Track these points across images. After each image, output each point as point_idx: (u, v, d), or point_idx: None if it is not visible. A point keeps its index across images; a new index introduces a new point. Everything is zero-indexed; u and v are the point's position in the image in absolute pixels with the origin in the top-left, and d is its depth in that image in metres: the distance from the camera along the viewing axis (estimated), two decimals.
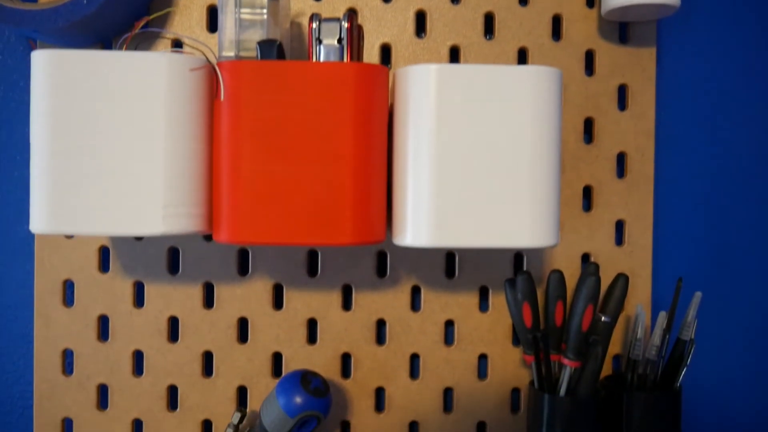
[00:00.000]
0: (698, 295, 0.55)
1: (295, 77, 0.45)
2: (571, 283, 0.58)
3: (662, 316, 0.55)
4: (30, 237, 0.61)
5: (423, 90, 0.46)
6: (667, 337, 0.55)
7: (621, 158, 0.61)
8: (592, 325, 0.54)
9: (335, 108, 0.45)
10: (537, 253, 0.60)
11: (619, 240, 0.61)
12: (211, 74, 0.48)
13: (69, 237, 0.59)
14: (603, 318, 0.54)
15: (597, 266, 0.55)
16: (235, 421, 0.56)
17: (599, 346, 0.54)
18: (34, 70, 0.46)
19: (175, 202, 0.45)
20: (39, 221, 0.46)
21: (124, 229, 0.45)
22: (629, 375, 0.56)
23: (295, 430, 0.52)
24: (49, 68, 0.45)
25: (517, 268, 0.60)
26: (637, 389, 0.55)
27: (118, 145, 0.45)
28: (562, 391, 0.55)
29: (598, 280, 0.53)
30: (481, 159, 0.46)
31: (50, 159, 0.45)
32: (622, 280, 0.55)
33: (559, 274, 0.54)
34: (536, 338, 0.53)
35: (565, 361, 0.54)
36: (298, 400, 0.51)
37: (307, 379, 0.52)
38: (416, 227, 0.46)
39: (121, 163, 0.45)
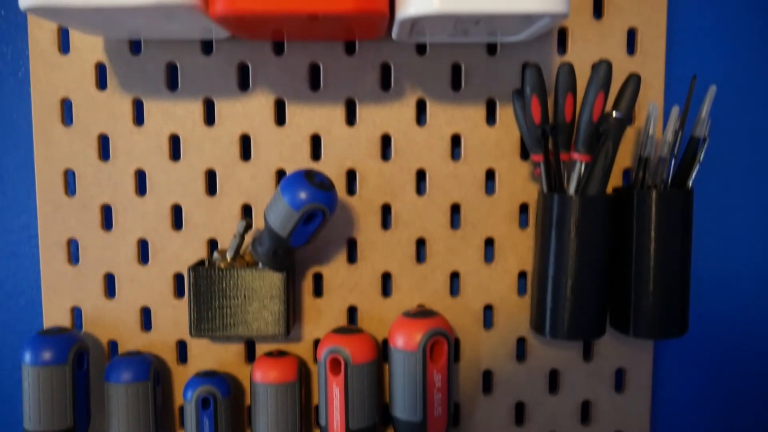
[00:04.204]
0: (713, 88, 0.53)
1: None
2: (580, 96, 0.56)
3: (675, 111, 0.53)
4: (24, 55, 0.59)
5: None
6: (680, 134, 0.54)
7: None
8: (604, 119, 0.53)
9: None
10: (546, 61, 0.58)
11: (631, 49, 0.59)
12: None
13: (64, 53, 0.58)
14: (615, 113, 0.53)
15: (609, 61, 0.53)
16: (241, 229, 0.56)
17: (610, 140, 0.53)
18: None
19: None
20: None
21: None
22: (640, 173, 0.55)
23: (301, 225, 0.51)
24: None
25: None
26: (649, 189, 0.54)
27: None
28: (572, 189, 0.54)
29: (610, 66, 0.51)
30: None
31: None
32: (633, 79, 0.53)
33: (569, 66, 0.52)
34: (545, 132, 0.52)
35: (576, 155, 0.53)
36: (303, 194, 0.50)
37: (311, 175, 0.51)
38: None
39: None
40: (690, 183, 0.54)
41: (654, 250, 0.54)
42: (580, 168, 0.53)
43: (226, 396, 0.56)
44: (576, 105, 0.54)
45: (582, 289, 0.54)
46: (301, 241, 0.52)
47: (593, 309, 0.55)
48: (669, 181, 0.55)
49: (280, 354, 0.58)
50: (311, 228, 0.52)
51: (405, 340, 0.54)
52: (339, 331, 0.57)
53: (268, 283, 0.55)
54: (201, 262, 0.57)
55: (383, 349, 0.60)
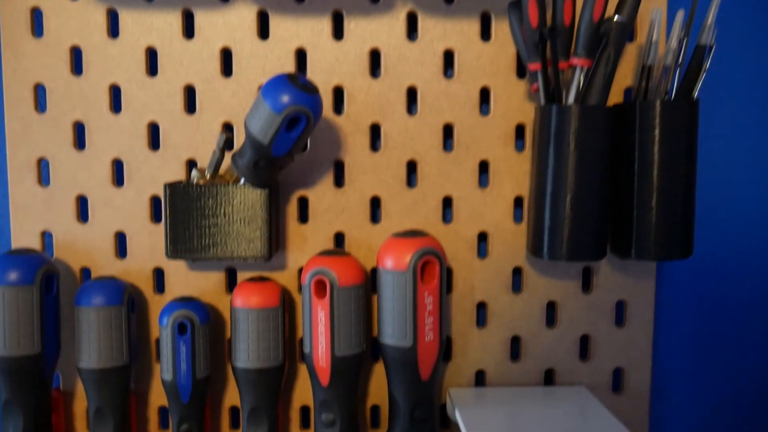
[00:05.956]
0: None
1: None
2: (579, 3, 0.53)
3: (680, 16, 0.50)
4: None
5: None
6: (686, 42, 0.51)
7: None
8: (605, 22, 0.50)
9: None
10: None
11: None
12: None
13: None
14: (617, 17, 0.50)
15: None
16: (220, 143, 0.53)
17: (612, 45, 0.50)
18: None
19: None
20: None
21: None
22: (643, 83, 0.52)
23: (283, 131, 0.48)
24: None
25: None
26: (652, 100, 0.51)
27: None
28: (571, 98, 0.51)
29: None
30: None
31: None
32: None
33: None
34: (543, 35, 0.49)
35: (575, 60, 0.50)
36: (286, 96, 0.47)
37: (294, 77, 0.48)
38: None
39: None
40: (695, 94, 0.51)
41: (657, 164, 0.51)
42: (579, 76, 0.51)
43: (204, 322, 0.53)
44: (575, 9, 0.51)
45: (582, 204, 0.51)
46: (284, 150, 0.49)
47: (593, 227, 0.52)
48: (673, 92, 0.52)
49: (263, 279, 0.55)
50: (294, 134, 0.48)
51: (394, 260, 0.51)
52: (325, 253, 0.54)
53: (249, 200, 0.52)
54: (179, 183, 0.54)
55: (372, 279, 0.57)
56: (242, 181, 0.52)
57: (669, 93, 0.52)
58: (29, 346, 0.51)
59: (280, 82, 0.48)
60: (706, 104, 0.57)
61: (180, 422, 0.53)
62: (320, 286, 0.52)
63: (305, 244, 0.57)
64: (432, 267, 0.52)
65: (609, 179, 0.52)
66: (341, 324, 0.52)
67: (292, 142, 0.49)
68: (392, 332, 0.52)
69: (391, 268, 0.51)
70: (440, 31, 0.56)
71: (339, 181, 0.57)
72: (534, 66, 0.52)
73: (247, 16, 0.55)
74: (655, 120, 0.50)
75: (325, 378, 0.52)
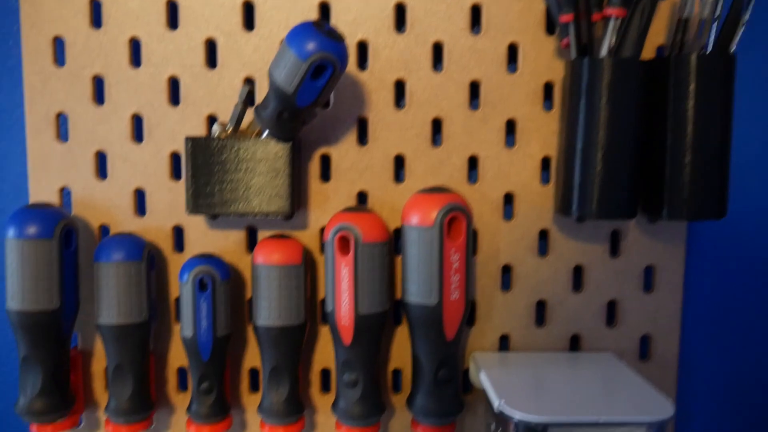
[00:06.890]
0: None
1: None
2: None
3: None
4: None
5: None
6: None
7: None
8: None
9: None
10: None
11: None
12: None
13: None
14: None
15: None
16: (243, 96, 0.51)
17: None
18: None
19: None
20: None
21: None
22: (679, 36, 0.50)
23: (308, 79, 0.47)
24: None
25: None
26: (688, 54, 0.50)
27: None
28: (604, 50, 0.49)
29: None
30: None
31: None
32: None
33: None
34: None
35: (609, 10, 0.49)
36: (312, 43, 0.46)
37: (320, 23, 0.47)
38: None
39: None
40: (733, 48, 0.50)
41: (692, 120, 0.49)
42: (613, 27, 0.49)
43: (225, 279, 0.52)
44: None
45: (613, 160, 0.49)
46: (309, 101, 0.48)
47: (625, 184, 0.50)
48: (710, 46, 0.50)
49: (284, 237, 0.54)
50: (320, 83, 0.47)
51: (420, 216, 0.50)
52: (348, 209, 0.53)
53: (272, 154, 0.51)
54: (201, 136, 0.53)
55: (395, 239, 0.56)
56: (265, 134, 0.51)
57: (705, 47, 0.50)
58: (48, 301, 0.50)
59: (305, 29, 0.46)
60: (743, 59, 0.55)
61: (200, 380, 0.52)
62: (344, 243, 0.51)
63: (327, 203, 0.56)
64: (459, 223, 0.50)
65: (641, 135, 0.50)
66: (365, 281, 0.51)
67: (318, 92, 0.48)
68: (417, 290, 0.50)
69: (416, 224, 0.50)
70: None
71: (362, 139, 0.56)
72: (566, 17, 0.50)
73: None
74: (691, 74, 0.49)
75: (348, 337, 0.51)
